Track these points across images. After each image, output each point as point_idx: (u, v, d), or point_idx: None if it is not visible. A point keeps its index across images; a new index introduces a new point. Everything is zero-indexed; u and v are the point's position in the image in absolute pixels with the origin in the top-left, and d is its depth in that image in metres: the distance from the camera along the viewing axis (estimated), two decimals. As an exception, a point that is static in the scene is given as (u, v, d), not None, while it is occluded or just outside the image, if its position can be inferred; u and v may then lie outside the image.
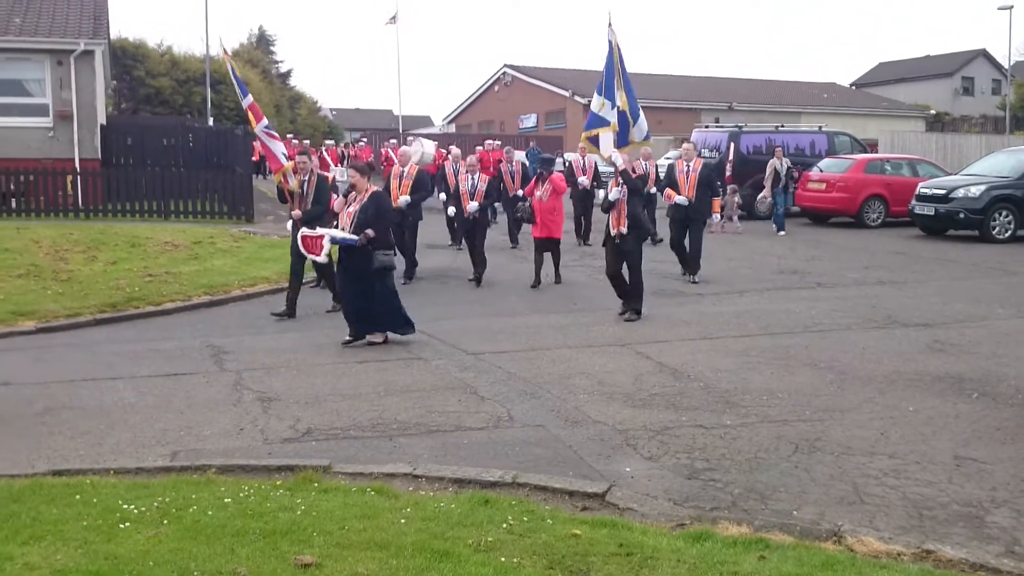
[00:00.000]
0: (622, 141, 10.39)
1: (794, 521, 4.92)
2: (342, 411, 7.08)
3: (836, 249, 17.45)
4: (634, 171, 11.32)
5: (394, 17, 46.52)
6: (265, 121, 11.38)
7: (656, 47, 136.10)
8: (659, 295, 12.23)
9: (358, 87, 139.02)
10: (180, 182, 21.94)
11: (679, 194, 13.12)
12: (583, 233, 17.92)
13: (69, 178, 21.10)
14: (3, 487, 5.13)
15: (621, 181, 10.46)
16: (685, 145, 14.03)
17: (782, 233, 19.69)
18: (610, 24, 10.31)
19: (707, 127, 26.62)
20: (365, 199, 9.39)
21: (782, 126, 25.56)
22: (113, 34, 31.10)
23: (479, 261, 13.46)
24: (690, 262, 13.47)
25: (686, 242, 13.46)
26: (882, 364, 8.39)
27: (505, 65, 50.63)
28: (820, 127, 26.35)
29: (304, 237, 9.75)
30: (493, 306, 11.70)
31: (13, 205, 20.23)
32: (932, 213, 18.88)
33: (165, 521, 4.57)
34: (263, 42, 60.19)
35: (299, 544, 4.34)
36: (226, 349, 9.33)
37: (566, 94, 43.65)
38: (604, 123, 10.44)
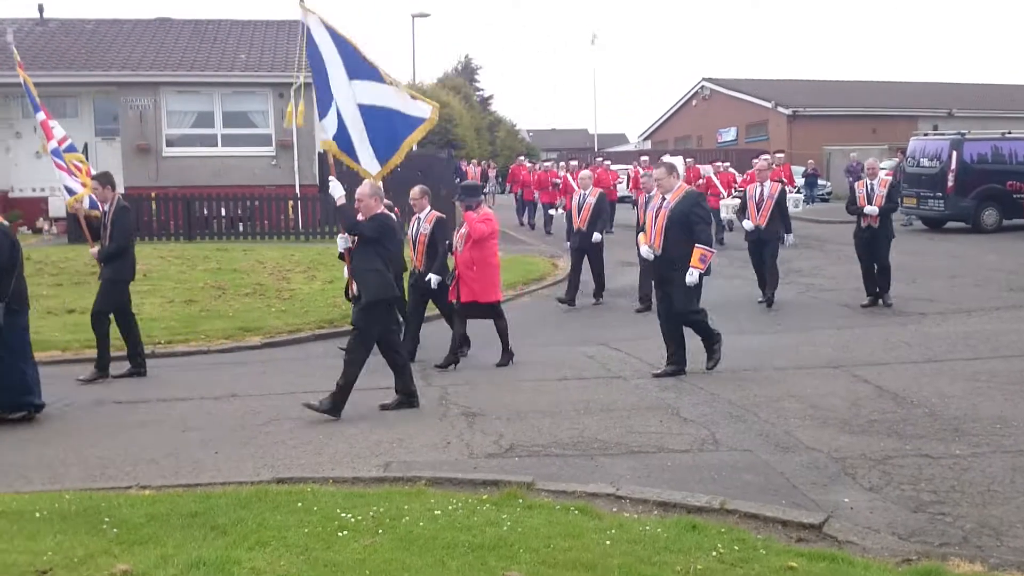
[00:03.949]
0: (382, 155, 8.16)
1: (1036, 561, 4.46)
2: (543, 428, 7.11)
3: (1076, 264, 15.86)
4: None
5: (594, 39, 46.96)
6: (56, 143, 10.09)
7: (869, 53, 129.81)
8: (876, 314, 11.57)
9: (554, 108, 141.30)
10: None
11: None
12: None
13: (290, 203, 22.60)
14: (231, 494, 5.46)
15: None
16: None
17: None
18: (302, 2, 8.00)
19: (926, 135, 24.94)
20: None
21: (1009, 133, 23.57)
22: (329, 67, 33.07)
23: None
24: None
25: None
26: None
27: (703, 79, 49.77)
28: (1056, 133, 24.08)
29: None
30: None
31: (240, 228, 21.88)
32: None
33: (380, 530, 4.73)
34: (468, 71, 62.37)
35: (506, 560, 4.36)
36: (431, 364, 9.61)
37: (768, 105, 42.33)
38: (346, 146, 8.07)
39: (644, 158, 24.06)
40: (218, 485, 5.78)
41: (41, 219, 23.35)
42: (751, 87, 45.59)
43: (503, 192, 37.50)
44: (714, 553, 4.48)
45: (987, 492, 5.48)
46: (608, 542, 4.61)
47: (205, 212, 22.05)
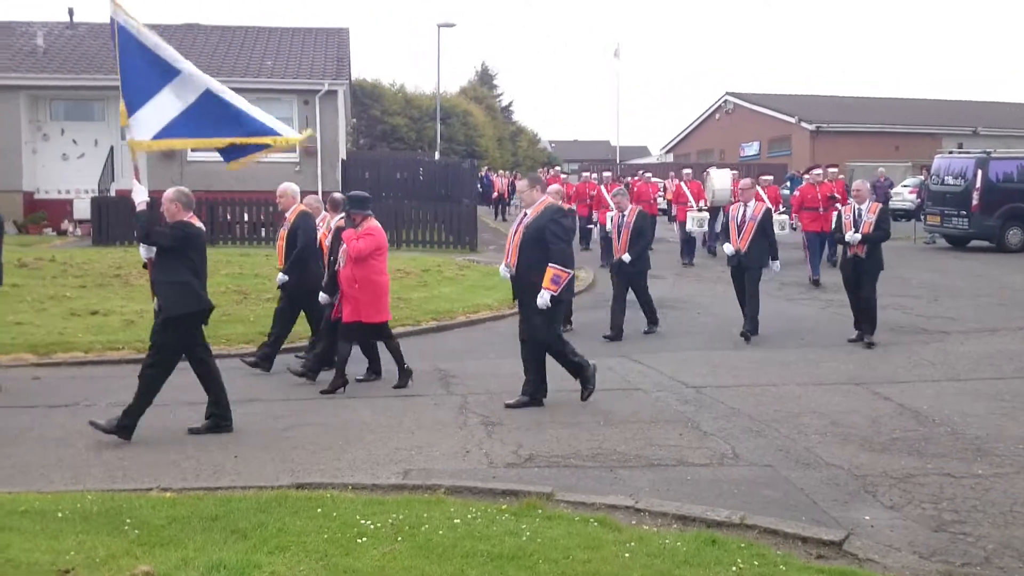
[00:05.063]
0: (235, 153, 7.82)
1: (1061, 585, 4.42)
2: (562, 439, 7.10)
3: (1103, 285, 15.69)
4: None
5: (617, 51, 46.99)
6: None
7: (894, 70, 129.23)
8: (899, 332, 11.47)
9: (576, 119, 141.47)
10: (411, 213, 23.09)
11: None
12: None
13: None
14: (252, 498, 5.50)
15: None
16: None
17: None
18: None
19: (951, 153, 24.76)
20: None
21: (1036, 151, 23.37)
22: (353, 75, 33.36)
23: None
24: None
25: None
26: None
27: (727, 93, 49.72)
28: (1083, 152, 23.84)
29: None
30: (712, 338, 11.39)
31: (263, 234, 22.03)
32: None
33: (399, 538, 4.74)
34: (486, 79, 62.52)
35: (525, 570, 4.36)
36: (452, 373, 9.63)
37: (792, 120, 42.21)
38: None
39: (687, 171, 21.73)
40: (238, 489, 5.81)
41: (66, 221, 23.63)
42: (775, 102, 45.50)
43: None
44: (734, 568, 4.46)
45: (1009, 513, 5.43)
46: (627, 555, 4.60)
47: (228, 217, 22.24)
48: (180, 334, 7.32)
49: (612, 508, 5.48)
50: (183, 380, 9.41)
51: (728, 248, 11.46)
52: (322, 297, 9.27)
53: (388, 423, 7.66)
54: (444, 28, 37.00)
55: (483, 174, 38.03)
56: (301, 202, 10.11)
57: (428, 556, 4.49)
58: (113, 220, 21.24)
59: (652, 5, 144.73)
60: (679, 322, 12.71)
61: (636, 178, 23.34)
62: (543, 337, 8.09)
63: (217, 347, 10.94)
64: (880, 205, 11.03)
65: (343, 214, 9.10)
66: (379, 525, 4.90)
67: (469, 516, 5.11)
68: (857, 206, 10.89)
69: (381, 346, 9.32)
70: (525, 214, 8.22)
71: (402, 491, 5.78)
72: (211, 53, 25.48)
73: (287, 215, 10.00)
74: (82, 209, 22.84)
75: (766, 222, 11.31)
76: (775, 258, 11.60)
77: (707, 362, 10.00)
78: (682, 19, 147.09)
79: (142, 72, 7.50)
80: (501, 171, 42.01)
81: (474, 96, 53.57)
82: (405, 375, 9.03)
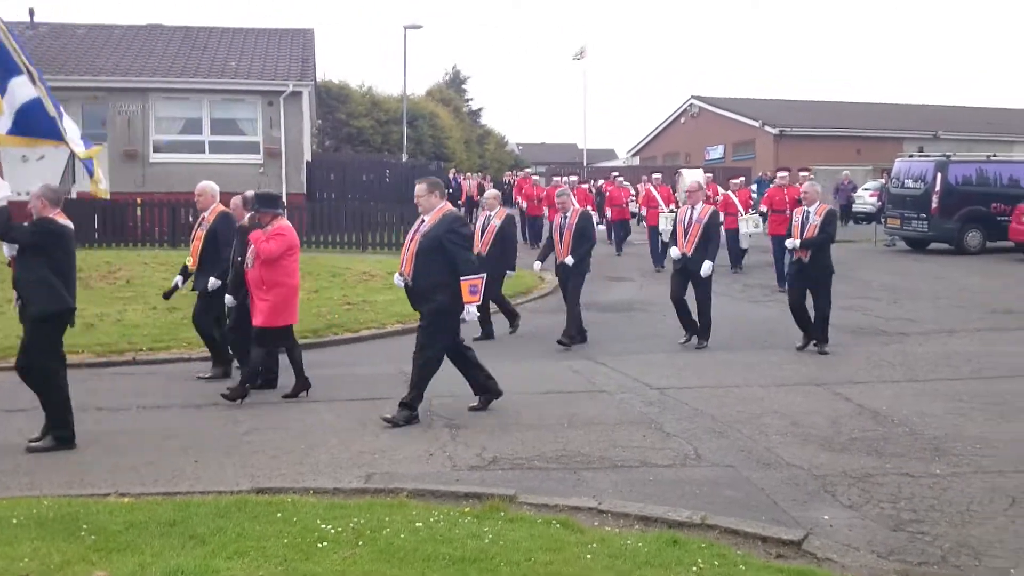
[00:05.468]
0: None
1: (1014, 582, 4.49)
2: (527, 441, 7.10)
3: (1058, 287, 16.01)
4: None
5: (582, 53, 47.09)
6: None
7: (857, 74, 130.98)
8: (859, 333, 11.63)
9: (544, 122, 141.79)
10: (377, 215, 23.00)
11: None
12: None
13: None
14: (211, 503, 5.44)
15: None
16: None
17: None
18: None
19: (911, 156, 25.14)
20: None
21: (994, 155, 23.80)
22: (318, 76, 33.19)
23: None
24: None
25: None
26: (1117, 415, 7.58)
27: (692, 96, 50.07)
28: (1039, 156, 24.36)
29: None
30: (677, 341, 11.46)
31: (226, 236, 21.81)
32: None
33: (360, 542, 4.71)
34: (456, 82, 62.41)
35: (487, 573, 4.36)
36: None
37: (756, 124, 42.60)
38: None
39: (657, 175, 21.62)
40: (197, 494, 5.74)
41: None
42: (739, 106, 45.91)
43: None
44: (694, 568, 4.49)
45: (966, 512, 5.51)
46: (589, 556, 4.61)
47: (190, 219, 21.97)
48: (49, 334, 7.03)
49: (575, 510, 5.49)
50: (137, 385, 9.30)
51: (674, 252, 11.07)
52: (228, 299, 8.92)
53: (351, 426, 7.62)
54: (411, 30, 36.93)
55: (451, 176, 37.92)
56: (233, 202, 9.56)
57: (389, 560, 4.47)
58: (73, 222, 20.81)
59: (619, 9, 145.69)
60: (645, 324, 12.78)
61: (608, 181, 23.32)
62: (425, 353, 7.74)
63: (179, 350, 10.89)
64: (828, 207, 10.86)
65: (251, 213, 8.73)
66: (340, 529, 4.87)
67: (431, 519, 5.10)
68: (806, 209, 10.72)
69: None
70: (423, 221, 7.78)
71: (364, 495, 5.75)
72: (174, 54, 25.22)
73: (205, 215, 9.62)
74: (42, 211, 22.51)
75: (711, 225, 10.91)
76: (711, 259, 10.94)
77: (672, 364, 10.07)
78: (649, 22, 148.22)
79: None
80: (469, 173, 41.93)
81: (441, 98, 53.40)
82: (301, 386, 8.62)
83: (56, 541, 4.68)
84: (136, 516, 5.11)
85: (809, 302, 10.60)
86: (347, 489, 5.91)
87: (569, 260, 11.23)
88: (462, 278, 7.52)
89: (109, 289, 13.97)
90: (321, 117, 40.70)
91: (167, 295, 10.11)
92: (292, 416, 8.02)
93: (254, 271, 8.42)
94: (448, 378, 9.43)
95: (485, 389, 8.06)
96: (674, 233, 11.27)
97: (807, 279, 10.56)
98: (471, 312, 7.61)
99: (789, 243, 10.75)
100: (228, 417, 8.01)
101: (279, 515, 5.13)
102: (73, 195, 23.04)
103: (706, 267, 10.81)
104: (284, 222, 8.67)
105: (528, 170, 32.72)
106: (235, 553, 4.55)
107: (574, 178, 21.34)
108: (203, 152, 24.02)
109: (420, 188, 7.84)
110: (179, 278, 9.88)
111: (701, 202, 11.14)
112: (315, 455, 6.81)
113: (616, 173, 25.00)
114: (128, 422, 7.88)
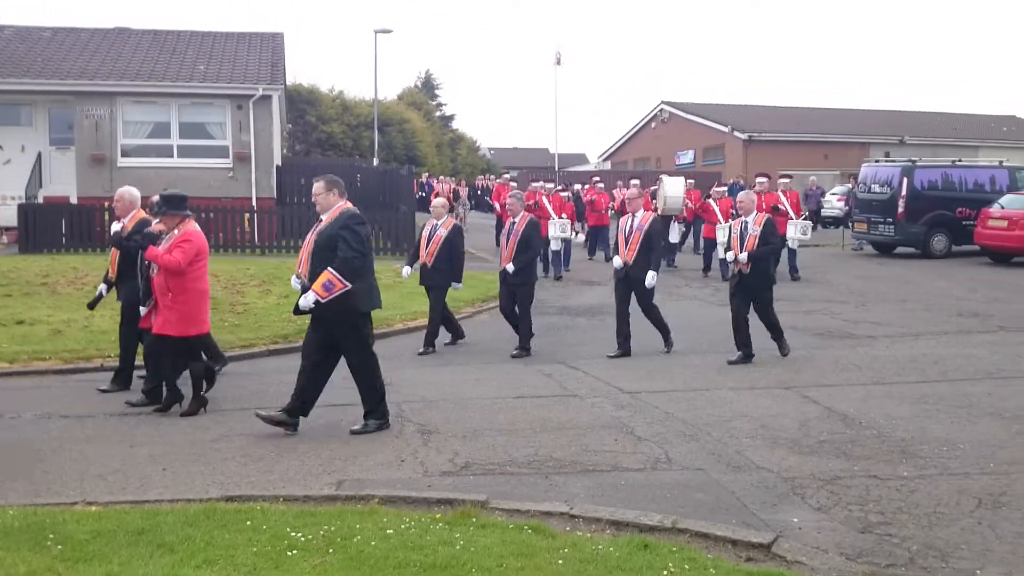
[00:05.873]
0: None
1: (980, 583, 4.55)
2: (499, 446, 7.10)
3: (1019, 291, 16.26)
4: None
5: (559, 59, 47.27)
6: None
7: (824, 80, 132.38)
8: (827, 336, 11.75)
9: (516, 126, 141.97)
10: (348, 220, 22.84)
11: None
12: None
13: (247, 216, 22.40)
14: (179, 511, 5.39)
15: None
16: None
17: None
18: None
19: (877, 161, 25.45)
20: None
21: (959, 160, 24.17)
22: (288, 80, 32.99)
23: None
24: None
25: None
26: (1079, 416, 7.71)
27: (662, 101, 50.34)
28: (1001, 162, 24.73)
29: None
30: (649, 345, 11.51)
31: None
32: None
33: (330, 550, 4.69)
34: (428, 86, 62.36)
35: (458, 580, 4.35)
36: (388, 381, 9.49)
37: (725, 129, 42.92)
38: None
39: (635, 181, 21.15)
40: (166, 502, 5.69)
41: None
42: (708, 111, 46.21)
43: (472, 209, 36.71)
44: (665, 572, 4.51)
45: (933, 514, 5.58)
46: (560, 561, 4.62)
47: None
48: None
49: (546, 515, 5.49)
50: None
51: (616, 261, 10.84)
52: (142, 310, 8.63)
53: (322, 433, 7.58)
54: (381, 34, 36.88)
55: (425, 180, 37.81)
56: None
57: (360, 568, 4.45)
58: (40, 227, 20.69)
59: (590, 14, 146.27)
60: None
61: (589, 186, 23.17)
62: (355, 359, 7.68)
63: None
64: (766, 216, 10.65)
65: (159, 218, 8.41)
66: (310, 537, 4.84)
67: (403, 526, 5.08)
68: (744, 219, 10.40)
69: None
70: (320, 219, 7.51)
71: (335, 502, 5.72)
72: (142, 58, 24.94)
73: (124, 222, 9.21)
74: (8, 216, 22.15)
75: (652, 232, 10.67)
76: (655, 268, 10.72)
77: (643, 368, 10.11)
78: (619, 28, 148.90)
79: None
80: (442, 176, 41.87)
81: (412, 102, 53.34)
82: (198, 403, 8.24)
83: (22, 551, 4.61)
84: (104, 525, 5.05)
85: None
86: (317, 496, 5.87)
87: (510, 267, 11.07)
88: (329, 268, 7.19)
89: (77, 295, 13.77)
90: (291, 121, 40.49)
91: (91, 305, 9.77)
92: (261, 423, 7.94)
93: (159, 276, 8.09)
94: (419, 383, 9.44)
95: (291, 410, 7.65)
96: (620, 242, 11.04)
97: (747, 290, 10.36)
98: (308, 300, 7.30)
99: (729, 255, 10.48)
100: (197, 424, 7.94)
101: (248, 523, 5.09)
102: (40, 200, 22.78)
103: (650, 278, 10.64)
104: (192, 226, 8.31)
105: (507, 176, 32.67)
106: (204, 562, 4.51)
107: (550, 185, 21.09)
108: (172, 156, 23.77)
109: (318, 186, 7.51)
110: (103, 286, 9.59)
111: (642, 209, 11.00)
112: (285, 462, 6.76)
113: (597, 179, 24.91)
114: (95, 429, 7.78)
